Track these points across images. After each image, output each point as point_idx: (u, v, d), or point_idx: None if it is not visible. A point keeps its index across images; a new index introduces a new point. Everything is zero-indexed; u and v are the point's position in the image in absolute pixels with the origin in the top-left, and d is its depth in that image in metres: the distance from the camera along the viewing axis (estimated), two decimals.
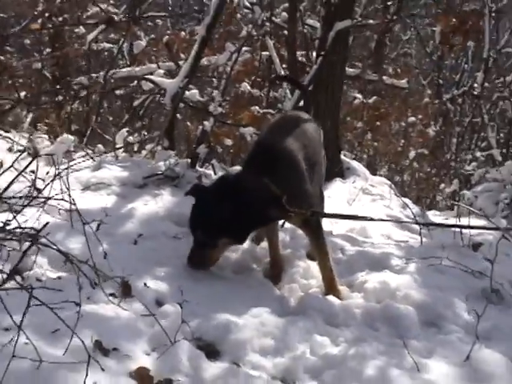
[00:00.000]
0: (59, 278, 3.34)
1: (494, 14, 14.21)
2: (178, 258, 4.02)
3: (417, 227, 5.53)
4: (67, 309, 2.75)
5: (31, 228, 3.23)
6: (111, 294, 3.19)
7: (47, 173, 4.28)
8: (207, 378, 2.81)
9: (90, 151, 6.26)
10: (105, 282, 3.20)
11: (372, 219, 4.60)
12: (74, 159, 5.30)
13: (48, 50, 11.93)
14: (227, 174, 4.30)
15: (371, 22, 9.86)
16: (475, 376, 3.07)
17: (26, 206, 3.57)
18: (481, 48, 14.94)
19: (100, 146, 6.45)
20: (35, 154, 4.77)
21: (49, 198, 3.67)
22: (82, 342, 2.49)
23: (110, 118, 13.45)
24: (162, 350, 2.86)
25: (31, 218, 3.70)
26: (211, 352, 3.04)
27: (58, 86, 10.17)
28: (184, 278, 3.67)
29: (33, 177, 4.02)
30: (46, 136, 6.71)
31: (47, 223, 3.12)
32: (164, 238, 4.34)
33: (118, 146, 6.45)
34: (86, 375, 2.38)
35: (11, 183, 3.56)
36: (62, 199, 3.56)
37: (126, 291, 3.23)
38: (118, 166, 5.81)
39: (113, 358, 2.61)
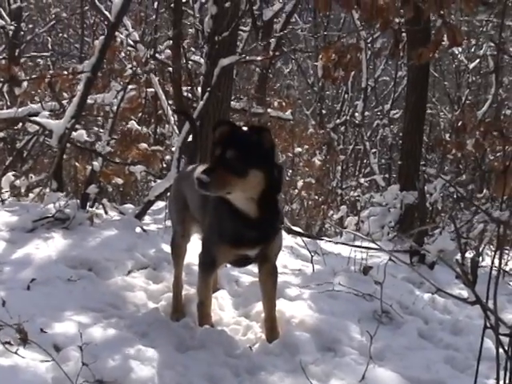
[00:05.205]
0: None
1: (369, 45, 14.88)
2: (74, 301, 3.99)
3: (309, 255, 5.70)
4: None
5: None
6: (7, 343, 3.12)
7: None
8: None
9: None
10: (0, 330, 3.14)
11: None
12: None
13: None
14: None
15: (255, 57, 10.08)
16: None
17: None
18: (359, 77, 15.59)
19: None
20: None
21: None
22: None
23: None
24: None
25: None
26: None
27: None
28: (81, 321, 3.63)
29: None
30: None
31: None
32: (58, 281, 4.27)
33: (4, 190, 6.29)
34: None
35: None
36: None
37: (22, 338, 3.17)
38: (6, 210, 5.67)
39: None
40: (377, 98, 17.39)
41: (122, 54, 9.67)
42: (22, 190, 6.36)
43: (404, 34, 8.10)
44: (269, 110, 11.39)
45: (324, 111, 17.47)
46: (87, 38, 15.88)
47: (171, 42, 9.13)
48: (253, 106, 11.52)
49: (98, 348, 3.26)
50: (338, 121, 16.68)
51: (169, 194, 5.57)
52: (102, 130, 7.66)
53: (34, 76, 10.28)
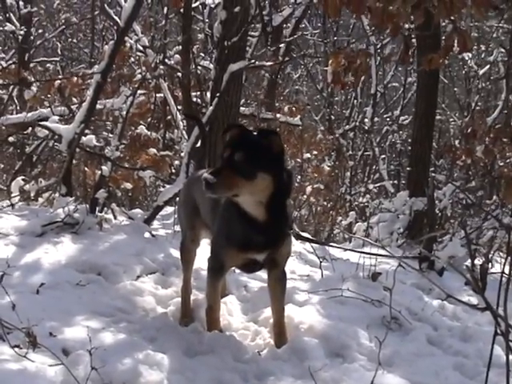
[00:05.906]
0: None
1: (379, 50, 14.88)
2: (83, 305, 3.99)
3: (318, 261, 5.69)
4: None
5: None
6: (16, 346, 3.13)
7: None
8: None
9: None
10: (9, 334, 3.14)
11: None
12: None
13: None
14: None
15: (264, 63, 10.08)
16: None
17: None
18: (369, 83, 15.58)
19: None
20: None
21: None
22: None
23: (1, 166, 13.13)
24: None
25: None
26: None
27: None
28: (89, 326, 3.63)
29: None
30: None
31: None
32: (67, 285, 4.28)
33: (13, 195, 6.31)
34: None
35: None
36: None
37: (31, 342, 3.17)
38: (15, 215, 5.69)
39: None
40: (386, 103, 17.38)
41: (132, 60, 9.69)
42: (32, 195, 6.39)
43: (414, 40, 8.10)
44: (278, 115, 11.37)
45: (333, 117, 17.45)
46: (97, 43, 15.93)
47: (180, 47, 9.16)
48: (262, 112, 11.51)
49: (107, 352, 3.26)
50: (347, 127, 16.66)
51: (178, 198, 5.57)
52: (111, 135, 7.69)
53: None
